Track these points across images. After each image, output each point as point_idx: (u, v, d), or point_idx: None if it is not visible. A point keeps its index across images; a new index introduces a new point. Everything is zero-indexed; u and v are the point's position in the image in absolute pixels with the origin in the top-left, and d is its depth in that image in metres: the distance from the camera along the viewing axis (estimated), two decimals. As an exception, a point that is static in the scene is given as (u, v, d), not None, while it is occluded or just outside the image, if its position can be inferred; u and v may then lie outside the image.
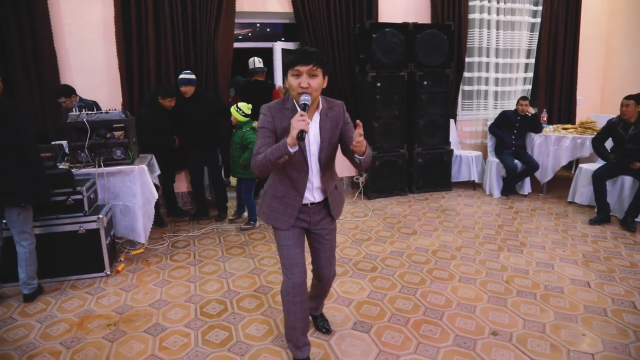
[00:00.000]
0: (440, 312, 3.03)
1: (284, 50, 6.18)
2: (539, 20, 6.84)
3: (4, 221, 3.23)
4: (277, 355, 2.58)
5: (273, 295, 3.32)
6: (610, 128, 4.83)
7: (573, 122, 7.08)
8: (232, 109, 4.53)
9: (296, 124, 1.92)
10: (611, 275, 3.55)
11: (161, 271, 3.79)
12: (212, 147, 5.06)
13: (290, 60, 2.06)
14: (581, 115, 7.30)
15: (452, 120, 6.50)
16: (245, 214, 5.00)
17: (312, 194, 2.29)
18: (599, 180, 4.80)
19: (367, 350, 2.63)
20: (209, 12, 5.27)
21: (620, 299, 3.17)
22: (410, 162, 6.13)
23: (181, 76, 4.82)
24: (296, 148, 2.01)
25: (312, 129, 2.19)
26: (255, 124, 4.46)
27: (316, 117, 2.20)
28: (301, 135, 1.93)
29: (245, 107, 4.52)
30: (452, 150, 6.27)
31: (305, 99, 2.02)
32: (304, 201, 2.29)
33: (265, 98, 4.81)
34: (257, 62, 5.55)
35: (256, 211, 2.46)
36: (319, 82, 2.07)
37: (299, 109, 2.04)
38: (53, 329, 2.92)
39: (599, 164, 5.16)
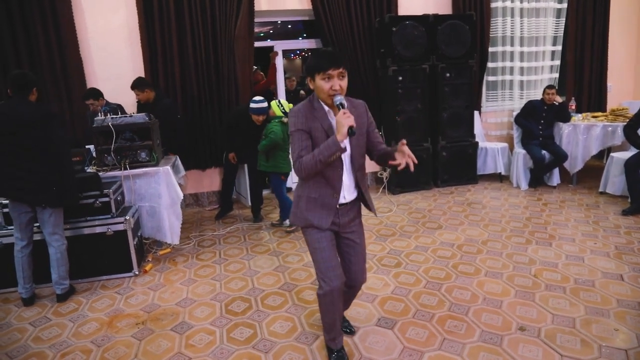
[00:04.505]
0: (465, 307, 2.99)
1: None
2: (565, 5, 6.63)
3: (36, 224, 3.36)
4: (301, 353, 2.60)
5: (297, 293, 3.33)
6: (644, 114, 4.65)
7: (604, 110, 6.85)
8: (273, 103, 4.56)
9: (344, 120, 1.95)
10: (646, 267, 3.43)
11: (187, 270, 3.86)
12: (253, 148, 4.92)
13: (320, 64, 2.06)
14: (612, 102, 7.04)
15: (476, 112, 6.38)
16: (288, 221, 4.71)
17: (344, 193, 2.26)
18: (632, 168, 4.63)
19: (391, 346, 2.61)
20: (229, 13, 5.32)
21: (655, 291, 3.06)
22: (434, 156, 6.05)
23: (258, 105, 4.64)
24: (345, 144, 2.06)
25: None
26: (285, 119, 4.50)
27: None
28: (351, 131, 1.96)
29: (287, 105, 4.55)
30: (477, 143, 6.15)
31: (340, 99, 2.05)
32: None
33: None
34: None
35: (292, 219, 2.40)
36: (346, 82, 2.11)
37: (339, 108, 2.03)
38: (84, 328, 3.00)
39: (631, 152, 4.97)
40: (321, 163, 2.03)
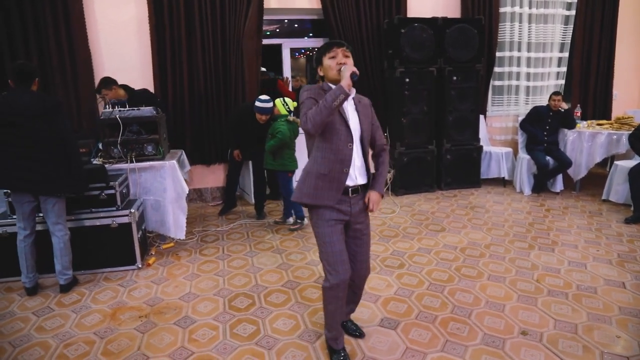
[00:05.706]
0: (468, 310, 3.00)
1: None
2: (573, 12, 6.64)
3: (40, 214, 3.37)
4: (304, 350, 2.60)
5: (300, 291, 3.34)
6: (649, 124, 4.66)
7: (609, 118, 6.86)
8: (278, 102, 4.57)
9: (347, 71, 2.11)
10: (648, 276, 3.44)
11: (191, 265, 3.87)
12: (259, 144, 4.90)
13: (325, 46, 2.28)
14: (618, 110, 7.05)
15: (481, 116, 6.39)
16: (291, 219, 4.82)
17: (355, 172, 2.30)
18: (635, 177, 4.64)
19: (393, 347, 2.62)
20: (239, 10, 5.32)
21: (657, 300, 3.07)
22: (438, 159, 6.06)
23: (264, 105, 4.61)
24: (349, 89, 2.12)
25: (349, 104, 2.32)
26: (290, 117, 4.53)
27: (351, 100, 2.33)
28: (354, 75, 2.11)
29: (291, 103, 4.56)
30: (481, 147, 6.16)
31: (351, 69, 2.15)
32: (348, 181, 2.28)
33: (273, 90, 5.77)
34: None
35: (296, 196, 2.37)
36: (351, 62, 2.24)
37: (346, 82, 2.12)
38: (87, 319, 3.01)
39: (635, 160, 4.99)
40: (326, 108, 2.07)
